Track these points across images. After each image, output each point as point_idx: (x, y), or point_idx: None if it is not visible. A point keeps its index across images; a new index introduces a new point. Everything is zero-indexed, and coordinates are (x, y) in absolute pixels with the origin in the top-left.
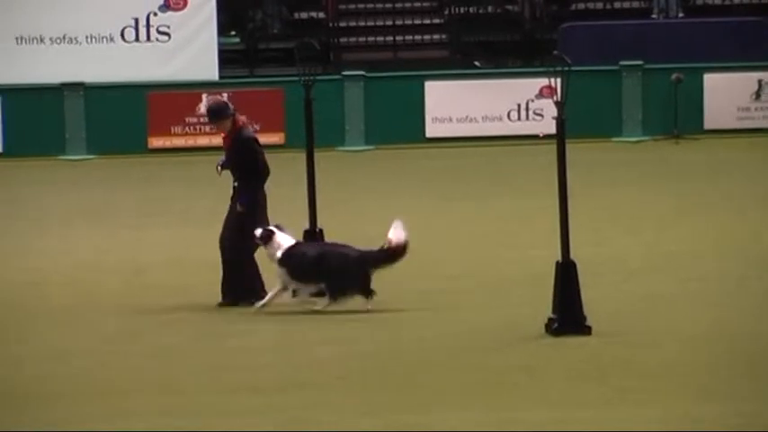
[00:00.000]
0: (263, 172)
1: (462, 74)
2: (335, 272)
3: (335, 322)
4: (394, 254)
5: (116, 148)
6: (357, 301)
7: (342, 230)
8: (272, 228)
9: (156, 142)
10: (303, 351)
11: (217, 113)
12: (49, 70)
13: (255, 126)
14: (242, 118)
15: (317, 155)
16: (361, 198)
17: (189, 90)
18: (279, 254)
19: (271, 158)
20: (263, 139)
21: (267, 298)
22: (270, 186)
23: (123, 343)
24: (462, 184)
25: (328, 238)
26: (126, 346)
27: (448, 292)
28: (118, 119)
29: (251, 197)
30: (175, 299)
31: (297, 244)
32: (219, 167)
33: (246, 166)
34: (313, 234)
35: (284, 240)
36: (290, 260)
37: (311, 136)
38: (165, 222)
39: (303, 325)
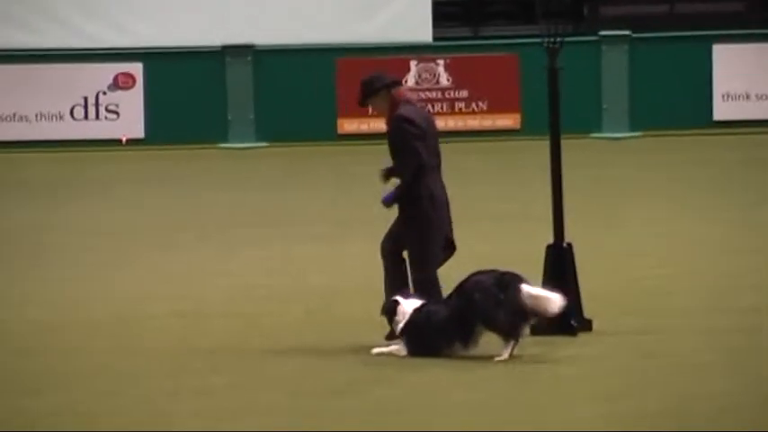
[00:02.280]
0: (411, 161)
1: (764, 34)
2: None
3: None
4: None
5: (294, 134)
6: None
7: (596, 245)
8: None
9: (347, 126)
10: None
11: (362, 91)
12: (207, 28)
13: (472, 104)
14: (405, 93)
15: (565, 144)
16: (621, 202)
17: (393, 55)
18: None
19: (502, 148)
20: (490, 121)
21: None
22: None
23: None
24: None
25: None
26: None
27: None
28: (297, 95)
29: (398, 195)
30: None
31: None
32: (384, 172)
33: (399, 154)
34: (559, 250)
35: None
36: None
37: (556, 118)
38: (362, 234)
39: None
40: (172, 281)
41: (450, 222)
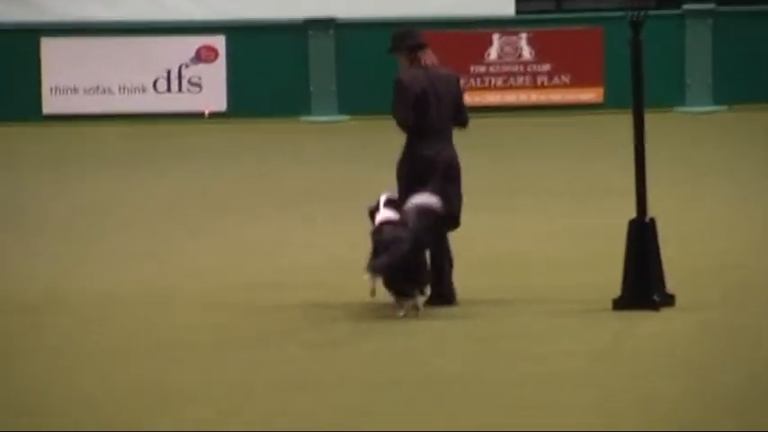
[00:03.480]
0: (399, 123)
1: None
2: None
3: None
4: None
5: (376, 107)
6: None
7: (679, 220)
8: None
9: None
10: None
11: (391, 43)
12: (288, 1)
13: (554, 78)
14: (424, 56)
15: (649, 118)
16: (705, 177)
17: (474, 29)
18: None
19: (585, 121)
20: (573, 95)
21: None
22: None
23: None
24: None
25: (660, 227)
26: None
27: None
28: (379, 68)
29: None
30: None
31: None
32: None
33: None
34: (642, 225)
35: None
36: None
37: (639, 93)
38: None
39: None
40: (255, 251)
41: (443, 190)
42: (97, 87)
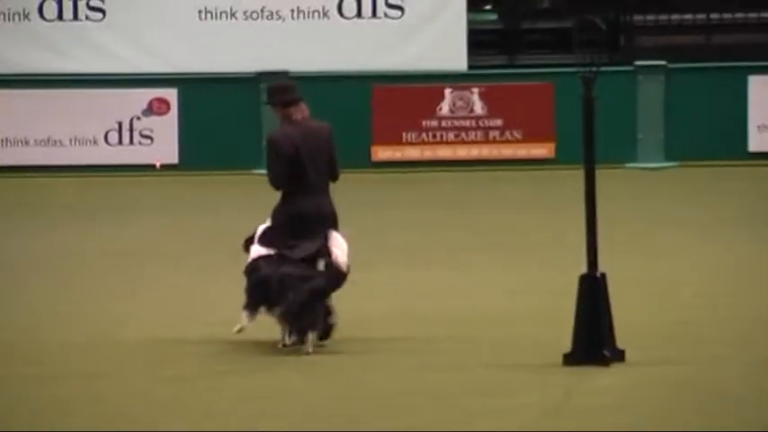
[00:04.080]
0: (272, 183)
1: None
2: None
3: None
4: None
5: None
6: None
7: (630, 275)
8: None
9: (381, 153)
10: None
11: (267, 101)
12: (242, 55)
13: (506, 132)
14: (295, 112)
15: (600, 173)
16: (656, 232)
17: (427, 83)
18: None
19: (536, 176)
20: (524, 150)
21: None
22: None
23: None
24: None
25: (610, 284)
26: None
27: None
28: (334, 120)
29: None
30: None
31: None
32: None
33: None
34: (592, 280)
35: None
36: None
37: (591, 148)
38: (387, 262)
39: None
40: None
41: (315, 238)
42: (48, 139)
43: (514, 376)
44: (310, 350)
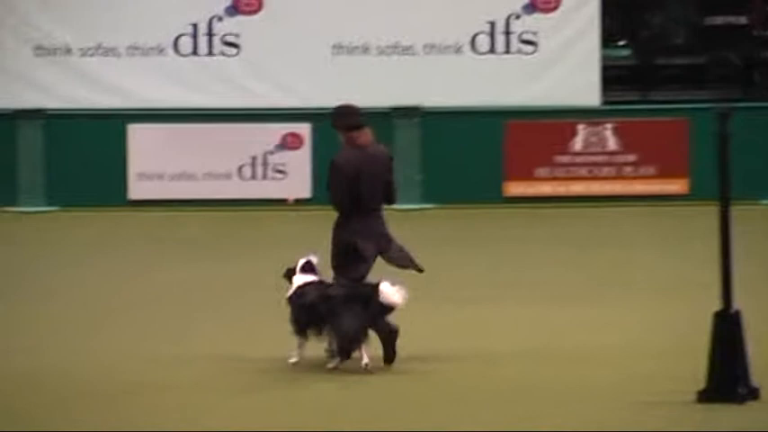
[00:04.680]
0: (334, 204)
1: None
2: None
3: None
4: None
5: (460, 196)
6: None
7: (766, 312)
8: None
9: (513, 188)
10: None
11: (332, 123)
12: (373, 90)
13: (640, 169)
14: (358, 137)
15: (734, 210)
16: None
17: (560, 119)
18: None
19: (669, 212)
20: (657, 186)
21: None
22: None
23: None
24: None
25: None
26: None
27: None
28: (462, 156)
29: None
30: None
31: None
32: None
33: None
34: (727, 317)
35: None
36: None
37: (726, 184)
38: (518, 298)
39: None
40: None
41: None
42: (182, 173)
43: (648, 412)
44: (367, 361)
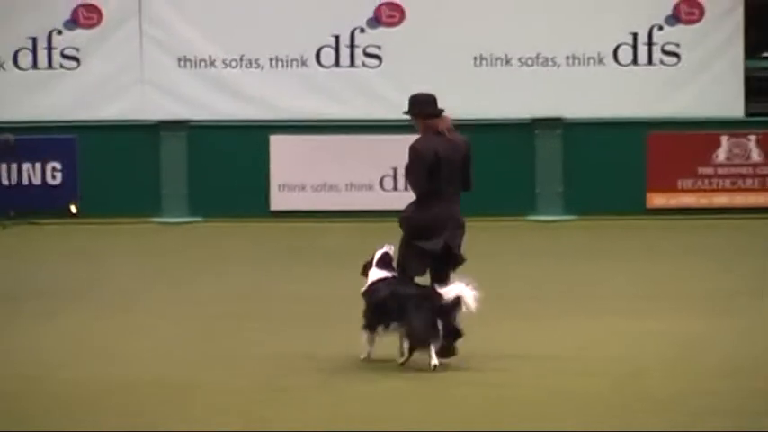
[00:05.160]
0: (413, 187)
1: None
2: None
3: None
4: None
5: (601, 207)
6: None
7: None
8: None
9: (656, 200)
10: None
11: (408, 110)
12: (515, 101)
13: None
14: (436, 124)
15: None
16: None
17: (703, 130)
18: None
19: None
20: None
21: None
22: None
23: None
24: None
25: None
26: None
27: None
28: (604, 168)
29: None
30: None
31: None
32: None
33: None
34: None
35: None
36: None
37: None
38: (662, 309)
39: None
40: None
41: (452, 239)
42: (324, 184)
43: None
44: (435, 362)
